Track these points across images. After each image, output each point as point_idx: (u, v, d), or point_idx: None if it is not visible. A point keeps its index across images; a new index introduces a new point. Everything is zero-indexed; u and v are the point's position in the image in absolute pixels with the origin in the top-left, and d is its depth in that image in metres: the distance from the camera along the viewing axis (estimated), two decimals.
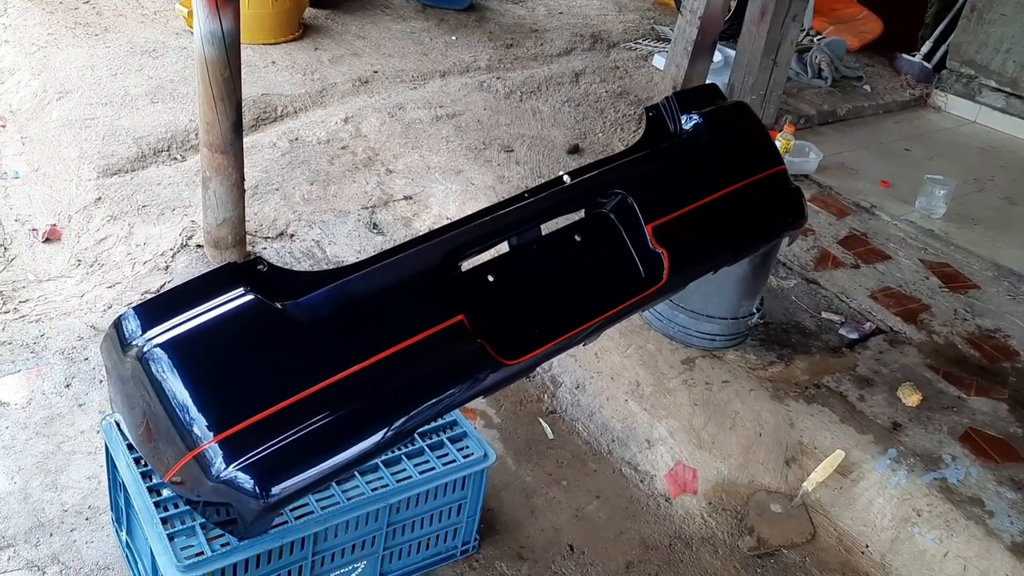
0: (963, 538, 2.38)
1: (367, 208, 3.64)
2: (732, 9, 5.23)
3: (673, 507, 2.63)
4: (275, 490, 1.60)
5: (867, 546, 2.48)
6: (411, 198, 3.74)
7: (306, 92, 4.35)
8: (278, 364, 1.68)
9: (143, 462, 1.99)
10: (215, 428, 1.59)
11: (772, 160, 2.42)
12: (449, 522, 2.25)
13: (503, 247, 2.07)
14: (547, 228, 2.10)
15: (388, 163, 3.93)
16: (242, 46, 2.86)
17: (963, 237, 3.87)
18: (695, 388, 2.80)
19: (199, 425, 1.59)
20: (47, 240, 3.42)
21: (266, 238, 3.41)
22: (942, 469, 2.55)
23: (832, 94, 5.09)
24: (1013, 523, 2.41)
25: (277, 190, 3.63)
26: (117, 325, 1.69)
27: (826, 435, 2.65)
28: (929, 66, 5.48)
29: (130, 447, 2.02)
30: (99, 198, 3.49)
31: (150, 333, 1.65)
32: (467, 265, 1.99)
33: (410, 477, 2.12)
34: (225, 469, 1.57)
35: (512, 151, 4.11)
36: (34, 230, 3.47)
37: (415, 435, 2.04)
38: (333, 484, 2.03)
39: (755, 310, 2.94)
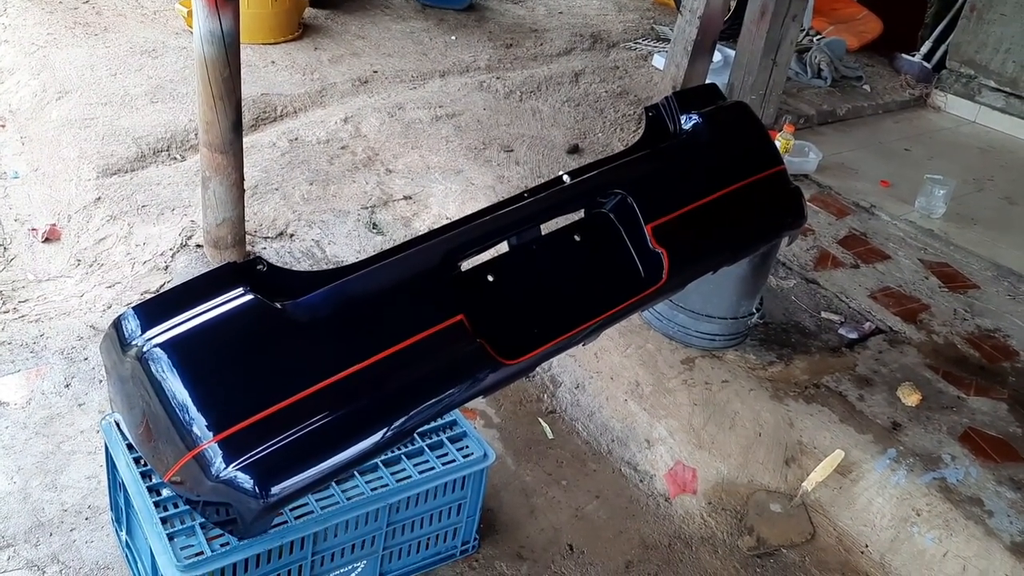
0: (962, 538, 2.38)
1: (367, 208, 3.64)
2: (732, 9, 5.23)
3: (673, 507, 2.63)
4: (275, 490, 1.60)
5: (867, 546, 2.48)
6: (411, 198, 3.74)
7: (306, 92, 4.35)
8: (278, 364, 1.68)
9: (143, 462, 1.99)
10: (215, 428, 1.59)
11: (772, 160, 2.42)
12: (449, 522, 2.25)
13: (503, 247, 2.07)
14: (547, 228, 2.11)
15: (388, 163, 3.93)
16: (242, 46, 2.86)
17: (963, 237, 3.87)
18: (695, 388, 2.80)
19: (199, 425, 1.59)
20: (47, 240, 3.42)
21: (266, 238, 3.41)
22: (941, 469, 2.55)
23: (832, 94, 5.09)
24: (1012, 523, 2.41)
25: (277, 190, 3.63)
26: (117, 325, 1.69)
27: (825, 435, 2.65)
28: (929, 66, 5.48)
29: (130, 447, 2.02)
30: (99, 198, 3.49)
31: (150, 333, 1.65)
32: (467, 265, 1.99)
33: (410, 477, 2.12)
34: (225, 469, 1.57)
35: (512, 151, 4.11)
36: (34, 230, 3.47)
37: (415, 435, 2.04)
38: (333, 484, 2.03)
39: (755, 310, 2.94)
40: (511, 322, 1.94)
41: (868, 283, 3.44)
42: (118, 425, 2.07)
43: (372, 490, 2.06)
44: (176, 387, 1.61)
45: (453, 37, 5.30)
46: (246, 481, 1.58)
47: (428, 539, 2.24)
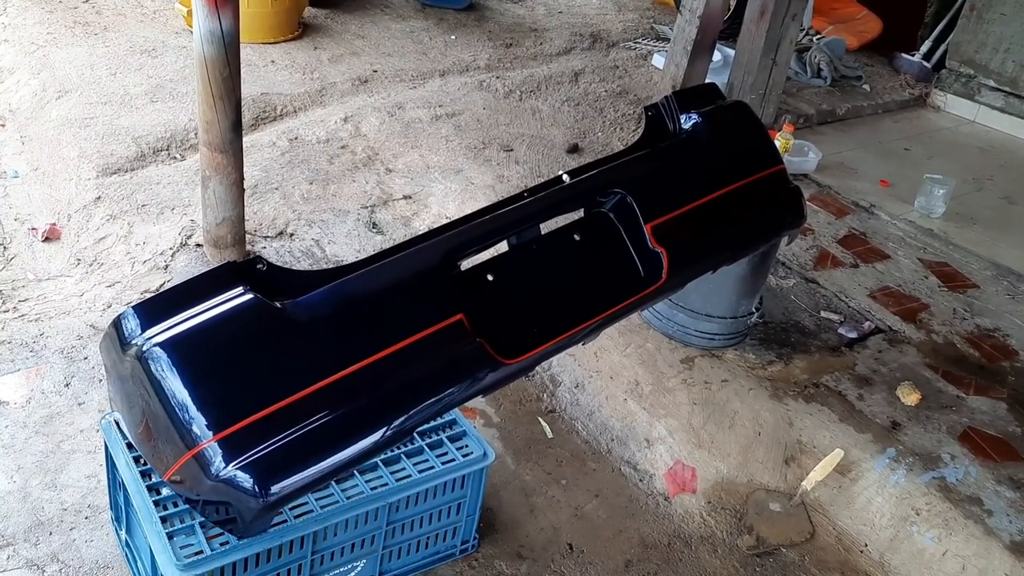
0: (962, 537, 2.38)
1: (366, 207, 3.64)
2: (731, 8, 5.24)
3: (672, 506, 2.63)
4: (274, 489, 1.60)
5: (866, 545, 2.48)
6: (410, 197, 3.74)
7: (305, 91, 4.35)
8: (277, 363, 1.69)
9: (142, 461, 1.99)
10: (214, 427, 1.59)
11: (771, 159, 2.43)
12: (448, 521, 2.25)
13: (502, 246, 2.07)
14: (546, 227, 2.11)
15: (387, 162, 3.93)
16: (241, 45, 2.86)
17: (962, 236, 3.87)
18: (694, 387, 2.80)
19: (198, 424, 1.59)
20: (46, 239, 3.42)
21: (265, 237, 3.41)
22: (941, 468, 2.56)
23: (831, 93, 5.09)
24: (1012, 522, 2.41)
25: (276, 189, 3.63)
26: (116, 324, 1.69)
27: (825, 434, 2.65)
28: (928, 66, 5.48)
29: (129, 446, 2.03)
30: (98, 197, 3.49)
31: (149, 332, 1.65)
32: (466, 264, 1.99)
33: (409, 476, 2.13)
34: (224, 468, 1.58)
35: (511, 150, 4.11)
36: (33, 229, 3.48)
37: (414, 434, 2.04)
38: (332, 483, 2.03)
39: (754, 309, 2.94)
40: (511, 321, 1.95)
41: (868, 282, 3.44)
42: (118, 424, 2.07)
43: (372, 489, 2.06)
44: (176, 386, 1.61)
45: (453, 36, 5.30)
46: (246, 480, 1.58)
47: (428, 538, 2.25)
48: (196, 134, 3.55)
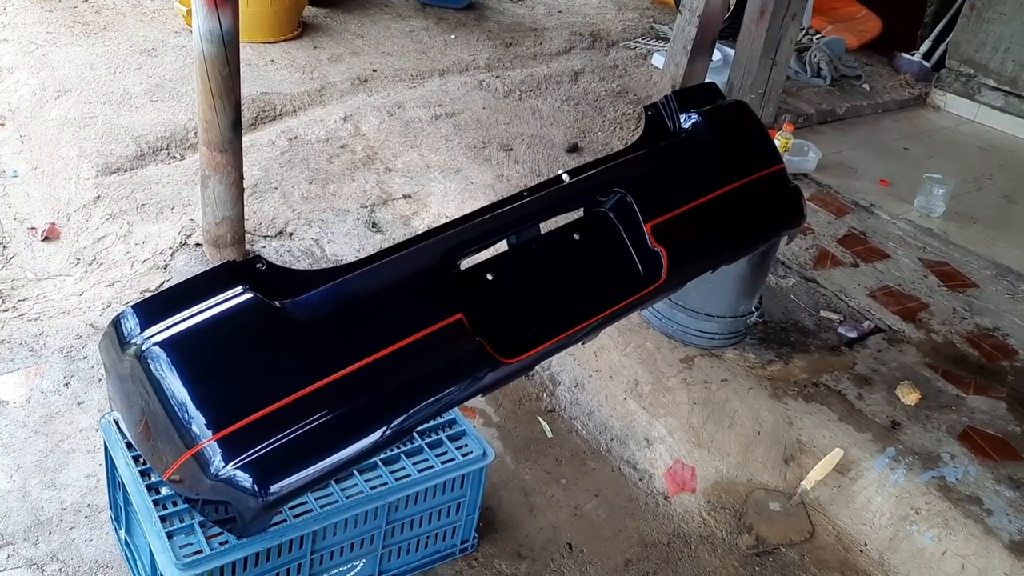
0: (961, 536, 2.38)
1: (366, 207, 3.64)
2: (731, 8, 5.24)
3: (672, 505, 2.63)
4: (274, 488, 1.60)
5: (866, 544, 2.48)
6: (410, 197, 3.74)
7: (305, 91, 4.35)
8: (277, 363, 1.68)
9: (142, 460, 1.99)
10: (214, 426, 1.59)
11: (771, 159, 2.42)
12: (448, 520, 2.25)
13: (502, 246, 2.07)
14: (546, 227, 2.11)
15: (387, 162, 3.93)
16: (241, 45, 2.86)
17: (962, 236, 3.87)
18: (694, 387, 2.80)
19: (198, 423, 1.59)
20: (46, 239, 3.42)
21: (265, 237, 3.41)
22: (940, 468, 2.56)
23: (831, 93, 5.09)
24: (1011, 521, 2.41)
25: (276, 189, 3.63)
26: (116, 323, 1.69)
27: (825, 433, 2.65)
28: (928, 65, 5.48)
29: (129, 445, 2.03)
30: (98, 197, 3.49)
31: (149, 331, 1.65)
32: (466, 264, 1.99)
33: (409, 475, 2.13)
34: (224, 467, 1.57)
35: (511, 150, 4.11)
36: (33, 228, 3.47)
37: (414, 433, 2.04)
38: (332, 482, 2.03)
39: (754, 309, 2.94)
40: (510, 321, 1.94)
41: (867, 282, 3.44)
42: (117, 424, 2.07)
43: (371, 488, 2.06)
44: (175, 386, 1.61)
45: (452, 36, 5.30)
46: (245, 479, 1.58)
47: (427, 537, 2.25)
48: (196, 133, 3.55)
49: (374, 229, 3.55)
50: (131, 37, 4.61)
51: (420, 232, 2.01)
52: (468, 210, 2.03)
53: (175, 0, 4.75)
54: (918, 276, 3.53)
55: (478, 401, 2.86)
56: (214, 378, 1.66)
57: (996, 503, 2.46)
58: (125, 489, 2.01)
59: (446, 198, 3.70)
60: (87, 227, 3.40)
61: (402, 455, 2.17)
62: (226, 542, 1.88)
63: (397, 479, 2.11)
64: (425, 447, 2.21)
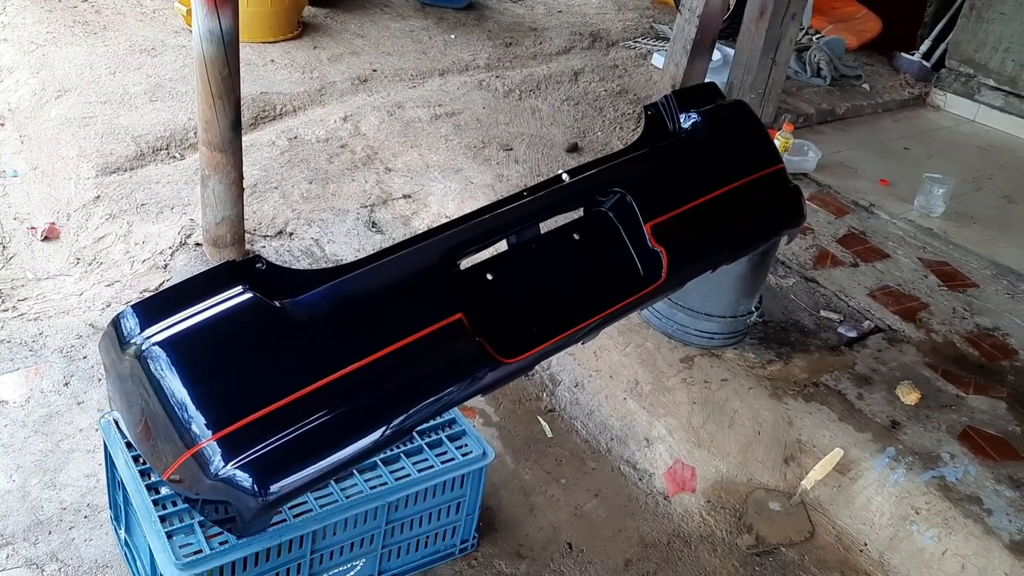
0: (961, 536, 2.38)
1: (366, 207, 3.64)
2: (731, 8, 5.24)
3: (672, 505, 2.63)
4: (273, 488, 1.60)
5: (865, 544, 2.48)
6: (410, 197, 3.74)
7: (305, 91, 4.35)
8: (277, 362, 1.68)
9: (142, 460, 1.99)
10: (213, 426, 1.59)
11: (771, 159, 2.42)
12: (448, 520, 2.25)
13: (502, 245, 2.07)
14: (546, 227, 2.11)
15: (387, 162, 3.93)
16: (241, 44, 2.86)
17: (962, 236, 3.87)
18: (694, 386, 2.80)
19: (197, 423, 1.59)
20: (46, 238, 3.42)
21: (265, 236, 3.41)
22: (940, 467, 2.56)
23: (831, 93, 5.09)
24: (1011, 521, 2.41)
25: (276, 188, 3.63)
26: (116, 323, 1.69)
27: (825, 433, 2.65)
28: (928, 65, 5.48)
29: (129, 445, 2.03)
30: (98, 196, 3.49)
31: (149, 331, 1.65)
32: (466, 263, 1.99)
33: (409, 475, 2.12)
34: (224, 467, 1.57)
35: (511, 150, 4.11)
36: (33, 228, 3.47)
37: (414, 433, 2.04)
38: (332, 482, 2.03)
39: (754, 308, 2.94)
40: (510, 320, 1.94)
41: (867, 282, 3.44)
42: (117, 423, 2.07)
43: (371, 488, 2.06)
44: (175, 385, 1.61)
45: (452, 36, 5.30)
46: (245, 479, 1.58)
47: (427, 537, 2.25)
48: (195, 133, 3.55)
49: (374, 229, 3.55)
50: (131, 37, 4.61)
51: (420, 232, 2.01)
52: (468, 210, 2.03)
53: (175, 0, 4.76)
54: (918, 276, 3.53)
55: (478, 401, 2.86)
56: (214, 378, 1.66)
57: (996, 503, 2.46)
58: (125, 489, 2.01)
59: (446, 198, 3.70)
60: (87, 227, 3.40)
61: (402, 455, 2.17)
62: (226, 542, 1.88)
63: (397, 479, 2.11)
64: (425, 447, 2.21)
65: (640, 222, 2.10)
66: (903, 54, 5.60)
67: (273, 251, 3.33)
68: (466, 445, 2.25)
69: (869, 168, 4.39)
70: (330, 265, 3.00)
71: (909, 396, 2.80)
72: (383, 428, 1.71)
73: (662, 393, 2.81)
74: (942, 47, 5.43)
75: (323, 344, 1.72)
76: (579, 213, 2.18)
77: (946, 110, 5.32)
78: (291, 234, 3.44)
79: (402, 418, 1.73)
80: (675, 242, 2.11)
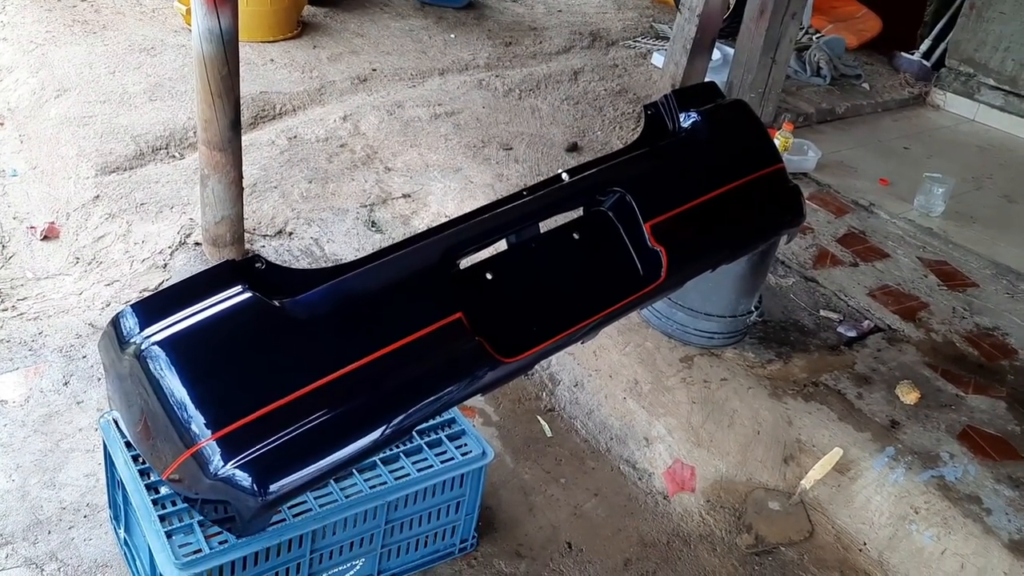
0: (961, 536, 2.38)
1: (366, 206, 3.64)
2: (731, 7, 5.24)
3: (671, 505, 2.63)
4: (273, 487, 1.60)
5: (865, 543, 2.48)
6: (410, 196, 3.73)
7: (304, 90, 4.34)
8: (276, 362, 1.68)
9: (141, 460, 1.99)
10: (213, 425, 1.59)
11: (770, 158, 2.42)
12: (447, 520, 2.25)
13: (501, 245, 2.07)
14: (545, 226, 2.11)
15: (387, 161, 3.93)
16: (240, 44, 2.86)
17: (962, 235, 3.87)
18: (693, 386, 2.80)
19: (197, 423, 1.59)
20: (45, 238, 3.42)
21: (264, 236, 3.41)
22: (940, 467, 2.56)
23: (831, 92, 5.09)
24: (1011, 521, 2.41)
25: (275, 188, 3.63)
26: (115, 323, 1.69)
27: (824, 433, 2.65)
28: (928, 64, 5.48)
29: (128, 445, 2.03)
30: (97, 196, 3.48)
31: (148, 331, 1.65)
32: (465, 263, 1.99)
33: (408, 475, 2.12)
34: (223, 467, 1.57)
35: (511, 149, 4.11)
36: (32, 228, 3.47)
37: (413, 433, 2.04)
38: (331, 481, 2.03)
39: (753, 308, 2.94)
40: (510, 320, 1.94)
41: (867, 281, 3.44)
42: (116, 423, 2.07)
43: (370, 488, 2.06)
44: (174, 385, 1.61)
45: (452, 35, 5.30)
46: (244, 479, 1.58)
47: (426, 537, 2.25)
48: (195, 133, 3.54)
49: (373, 228, 3.55)
50: (130, 36, 4.60)
51: (419, 231, 2.01)
52: (467, 209, 2.03)
53: None
54: (918, 275, 3.53)
55: (477, 400, 2.86)
56: (213, 377, 1.66)
57: (995, 502, 2.46)
58: (124, 488, 2.01)
59: (445, 197, 3.70)
60: (86, 226, 3.39)
61: (401, 454, 2.17)
62: (225, 541, 1.88)
63: (396, 478, 2.11)
64: (424, 446, 2.21)
65: (640, 221, 2.10)
66: (903, 53, 5.60)
67: (272, 250, 3.33)
68: (465, 444, 2.25)
69: (869, 167, 4.39)
70: (329, 264, 3.01)
71: (908, 396, 2.80)
72: (383, 427, 1.71)
73: (662, 393, 2.81)
74: (942, 46, 5.43)
75: (322, 343, 1.72)
76: (579, 212, 2.18)
77: (946, 109, 5.32)
78: (291, 233, 3.44)
79: (401, 417, 1.73)
80: (675, 241, 2.11)
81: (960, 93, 5.26)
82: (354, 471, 2.08)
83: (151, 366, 1.62)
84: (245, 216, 3.23)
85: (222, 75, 2.79)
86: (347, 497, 2.03)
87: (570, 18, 5.86)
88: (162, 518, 1.90)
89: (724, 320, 2.88)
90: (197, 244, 3.26)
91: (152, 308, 1.69)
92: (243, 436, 1.59)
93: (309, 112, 4.23)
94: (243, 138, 3.09)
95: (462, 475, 2.19)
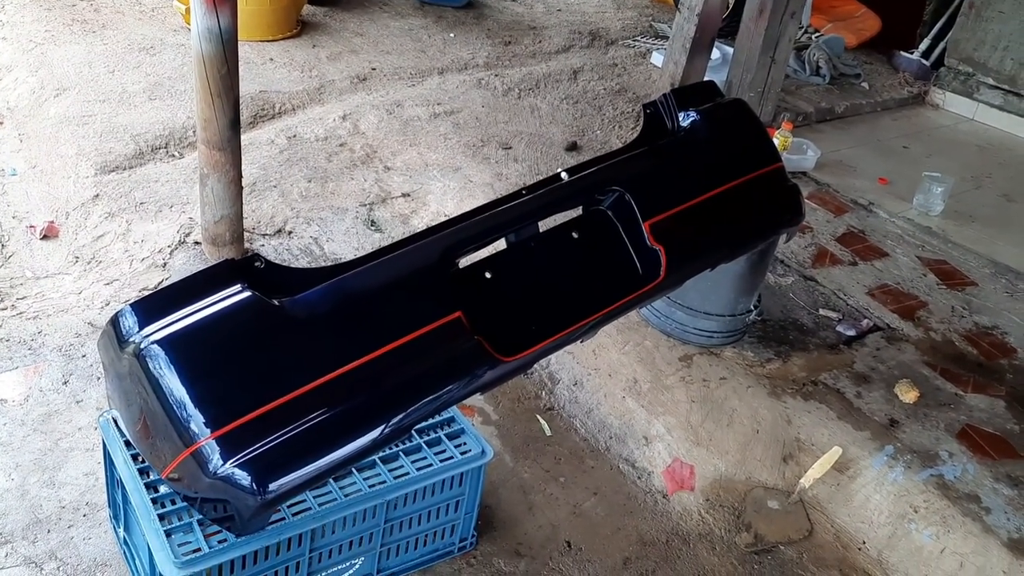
0: (960, 534, 2.38)
1: (365, 205, 3.64)
2: (730, 6, 5.24)
3: (670, 504, 2.63)
4: (272, 486, 1.60)
5: (864, 542, 2.48)
6: (409, 195, 3.73)
7: (304, 89, 4.34)
8: (275, 361, 1.69)
9: (140, 459, 1.99)
10: (212, 425, 1.59)
11: (769, 157, 2.43)
12: (447, 519, 2.26)
13: (501, 244, 2.07)
14: (545, 225, 2.11)
15: (386, 160, 3.93)
16: (240, 43, 2.86)
17: (961, 234, 3.87)
18: (693, 385, 2.81)
19: (196, 422, 1.59)
20: (45, 237, 3.42)
21: (264, 235, 3.41)
22: (939, 466, 2.56)
23: (830, 91, 5.09)
24: (1010, 519, 2.41)
25: (275, 187, 3.63)
26: (114, 322, 1.69)
27: (823, 432, 2.65)
28: (927, 63, 5.48)
29: (128, 444, 2.03)
30: (97, 195, 3.48)
31: (147, 330, 1.65)
32: (465, 262, 1.99)
33: (407, 474, 2.13)
34: (222, 465, 1.57)
35: (510, 148, 4.11)
36: (32, 227, 3.47)
37: (412, 432, 2.04)
38: (330, 480, 2.03)
39: (752, 307, 2.94)
40: (509, 319, 1.95)
41: (866, 280, 3.44)
42: (116, 422, 2.07)
43: (370, 487, 2.06)
44: (174, 384, 1.61)
45: (451, 34, 5.30)
46: (243, 478, 1.58)
47: (426, 536, 2.25)
48: (194, 132, 3.54)
49: (373, 227, 3.55)
50: (129, 35, 4.60)
51: (419, 230, 2.01)
52: (467, 208, 2.03)
53: None
54: (917, 274, 3.53)
55: (477, 399, 2.86)
56: (212, 376, 1.66)
57: (994, 501, 2.46)
58: (124, 487, 2.01)
59: (445, 196, 3.70)
60: (86, 225, 3.39)
61: (401, 453, 2.17)
62: (224, 540, 1.88)
63: (396, 477, 2.11)
64: (424, 445, 2.21)
65: (639, 220, 2.10)
66: (902, 52, 5.60)
67: (272, 250, 3.33)
68: (465, 443, 2.25)
69: (868, 167, 4.39)
70: (329, 264, 3.01)
71: (908, 394, 2.80)
72: (382, 426, 1.71)
73: (661, 391, 2.81)
74: (941, 46, 5.43)
75: (322, 342, 1.73)
76: (578, 211, 2.18)
77: (945, 109, 5.32)
78: (290, 233, 3.44)
79: (401, 416, 1.73)
80: (674, 240, 2.11)
81: (959, 92, 5.27)
82: (353, 470, 2.09)
83: (150, 365, 1.62)
84: (244, 215, 3.23)
85: (221, 74, 2.79)
86: (346, 496, 2.03)
87: (569, 17, 5.86)
88: (161, 517, 1.90)
89: (723, 319, 2.88)
90: (196, 243, 3.26)
91: (151, 307, 1.69)
92: (242, 435, 1.59)
93: (308, 111, 4.23)
94: (242, 137, 3.09)
95: (461, 474, 2.19)
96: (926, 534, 2.42)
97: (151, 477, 1.98)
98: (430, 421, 2.25)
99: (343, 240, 3.44)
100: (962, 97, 5.25)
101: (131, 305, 1.70)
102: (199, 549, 1.86)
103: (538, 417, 2.88)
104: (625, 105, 4.67)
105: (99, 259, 3.27)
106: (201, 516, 1.87)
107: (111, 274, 3.19)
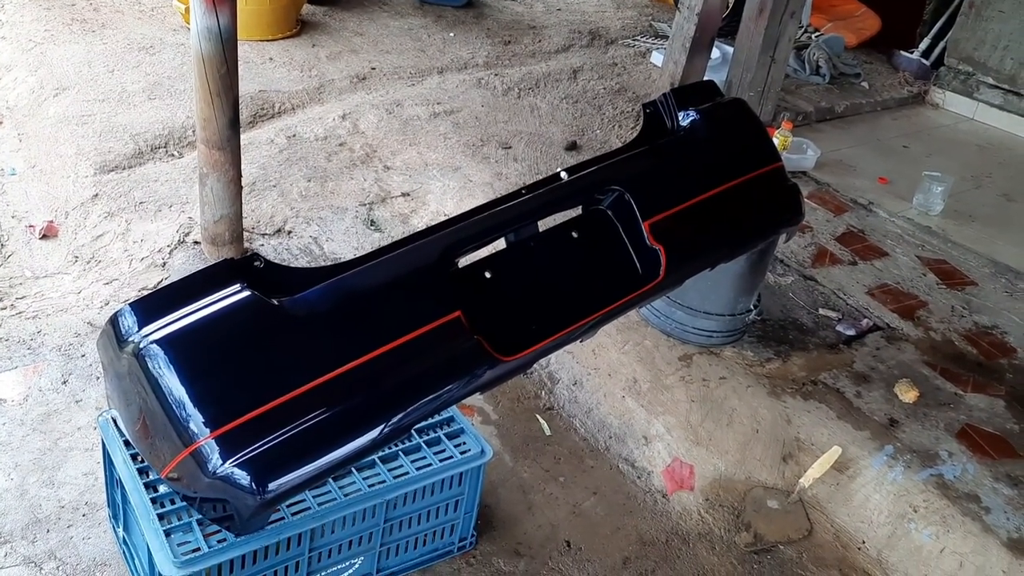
0: (959, 534, 2.38)
1: (365, 205, 3.64)
2: (730, 6, 5.23)
3: (670, 503, 2.63)
4: (272, 486, 1.60)
5: (864, 542, 2.48)
6: (409, 195, 3.73)
7: (303, 89, 4.34)
8: (275, 360, 1.68)
9: (140, 458, 1.99)
10: (212, 424, 1.59)
11: (769, 157, 2.42)
12: (446, 518, 2.26)
13: (500, 243, 2.07)
14: (544, 225, 2.10)
15: (386, 160, 3.93)
16: (239, 42, 2.86)
17: (961, 234, 3.87)
18: (692, 385, 2.80)
19: (196, 421, 1.59)
20: (44, 237, 3.42)
21: (263, 235, 3.40)
22: (939, 465, 2.56)
23: (830, 91, 5.09)
24: (1009, 519, 2.41)
25: (274, 187, 3.63)
26: (114, 321, 1.69)
27: (823, 431, 2.65)
28: (927, 63, 5.48)
29: (127, 443, 2.03)
30: (96, 195, 3.48)
31: (147, 329, 1.65)
32: (464, 261, 1.99)
33: (407, 473, 2.12)
34: (222, 465, 1.57)
35: (510, 148, 4.10)
36: (31, 227, 3.47)
37: (412, 431, 2.04)
38: (330, 480, 2.03)
39: (752, 307, 2.94)
40: (508, 318, 1.94)
41: (866, 280, 3.44)
42: (115, 422, 2.07)
43: (369, 486, 2.06)
44: (173, 383, 1.61)
45: (451, 34, 5.30)
46: (243, 477, 1.58)
47: (425, 535, 2.25)
48: (194, 131, 3.54)
49: (372, 227, 3.55)
50: (129, 35, 4.60)
51: (419, 230, 2.01)
52: (466, 208, 2.03)
53: None
54: (917, 274, 3.53)
55: (476, 399, 2.86)
56: (212, 376, 1.66)
57: (994, 501, 2.46)
58: (123, 487, 2.01)
59: (444, 196, 3.70)
60: (85, 225, 3.39)
61: (400, 453, 2.17)
62: (224, 540, 1.88)
63: (395, 477, 2.11)
64: (423, 445, 2.21)
65: (638, 220, 2.10)
66: (902, 52, 5.60)
67: (271, 249, 3.33)
68: (464, 443, 2.25)
69: (868, 166, 4.39)
70: (328, 263, 3.01)
71: (907, 394, 2.80)
72: (381, 426, 1.71)
73: (660, 391, 2.81)
74: (941, 45, 5.43)
75: (321, 342, 1.72)
76: (578, 211, 2.18)
77: (945, 108, 5.32)
78: (289, 232, 3.44)
79: (400, 416, 1.73)
80: (673, 240, 2.11)
81: (959, 92, 5.26)
82: (353, 469, 2.09)
83: (150, 365, 1.62)
84: (244, 215, 3.23)
85: (221, 74, 2.79)
86: (346, 495, 2.03)
87: (569, 17, 5.85)
88: (161, 516, 1.90)
89: (723, 319, 2.88)
90: (196, 243, 3.26)
91: (151, 307, 1.69)
92: (242, 434, 1.59)
93: (308, 111, 4.23)
94: (242, 137, 3.09)
95: (461, 473, 2.19)
96: (926, 534, 2.42)
97: (150, 477, 1.98)
98: (430, 421, 2.25)
99: (342, 240, 3.44)
100: (962, 96, 5.25)
101: (130, 305, 1.70)
102: (198, 549, 1.86)
103: (538, 417, 2.88)
104: (625, 104, 4.67)
105: (98, 259, 3.27)
106: (200, 516, 1.87)
107: (110, 274, 3.19)
